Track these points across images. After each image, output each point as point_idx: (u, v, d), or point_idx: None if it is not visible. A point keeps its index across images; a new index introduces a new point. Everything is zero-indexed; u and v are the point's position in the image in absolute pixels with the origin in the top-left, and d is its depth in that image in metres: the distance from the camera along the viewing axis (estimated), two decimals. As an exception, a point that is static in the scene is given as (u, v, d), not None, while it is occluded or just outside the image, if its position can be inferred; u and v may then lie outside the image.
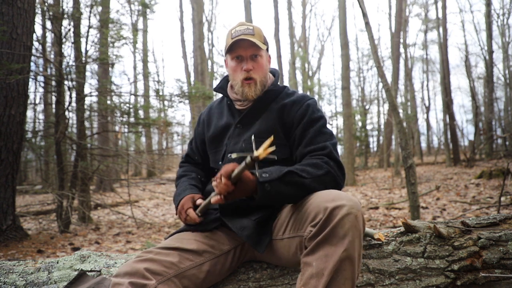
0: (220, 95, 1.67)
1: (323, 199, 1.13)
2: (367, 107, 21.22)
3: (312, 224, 1.11)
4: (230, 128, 1.51)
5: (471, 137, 15.34)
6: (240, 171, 1.12)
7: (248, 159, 1.04)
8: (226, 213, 1.38)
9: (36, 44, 5.62)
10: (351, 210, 1.08)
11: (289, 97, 1.49)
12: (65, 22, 5.46)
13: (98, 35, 6.06)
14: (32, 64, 4.75)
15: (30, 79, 4.71)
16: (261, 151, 1.01)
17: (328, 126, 1.48)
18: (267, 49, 1.53)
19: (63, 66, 5.22)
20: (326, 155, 1.33)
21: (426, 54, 21.74)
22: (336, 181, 1.29)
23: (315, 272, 1.05)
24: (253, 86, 1.45)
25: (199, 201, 1.42)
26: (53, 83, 5.47)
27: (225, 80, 1.60)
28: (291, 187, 1.22)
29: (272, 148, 1.02)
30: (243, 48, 1.43)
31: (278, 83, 1.58)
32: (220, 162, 1.52)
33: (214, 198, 1.21)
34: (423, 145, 26.73)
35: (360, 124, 18.42)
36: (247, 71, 1.43)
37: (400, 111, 14.56)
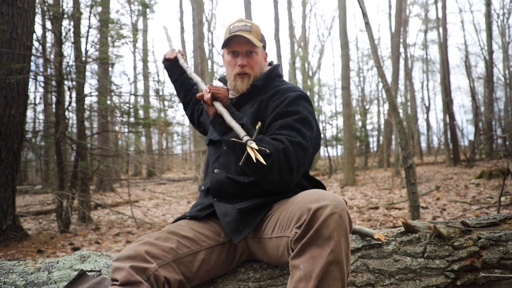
0: None
1: (307, 200, 1.13)
2: (367, 107, 21.18)
3: (297, 225, 1.10)
4: None
5: (471, 137, 15.34)
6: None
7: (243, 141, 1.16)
8: (216, 194, 1.41)
9: (36, 44, 5.62)
10: (335, 209, 1.07)
11: (273, 89, 1.47)
12: (65, 22, 5.45)
13: (98, 35, 6.06)
14: (32, 64, 4.74)
15: (30, 79, 4.70)
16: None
17: (308, 124, 1.34)
18: (264, 47, 1.54)
19: (63, 66, 5.22)
20: (280, 147, 1.24)
21: (426, 54, 21.74)
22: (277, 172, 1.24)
23: (303, 275, 1.04)
24: (246, 80, 1.47)
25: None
26: (53, 83, 5.47)
27: None
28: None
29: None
30: (239, 44, 1.46)
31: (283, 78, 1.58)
32: (207, 144, 1.60)
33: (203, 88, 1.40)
34: (423, 145, 26.73)
35: (360, 124, 18.38)
36: (242, 66, 1.46)
37: (400, 111, 14.55)
